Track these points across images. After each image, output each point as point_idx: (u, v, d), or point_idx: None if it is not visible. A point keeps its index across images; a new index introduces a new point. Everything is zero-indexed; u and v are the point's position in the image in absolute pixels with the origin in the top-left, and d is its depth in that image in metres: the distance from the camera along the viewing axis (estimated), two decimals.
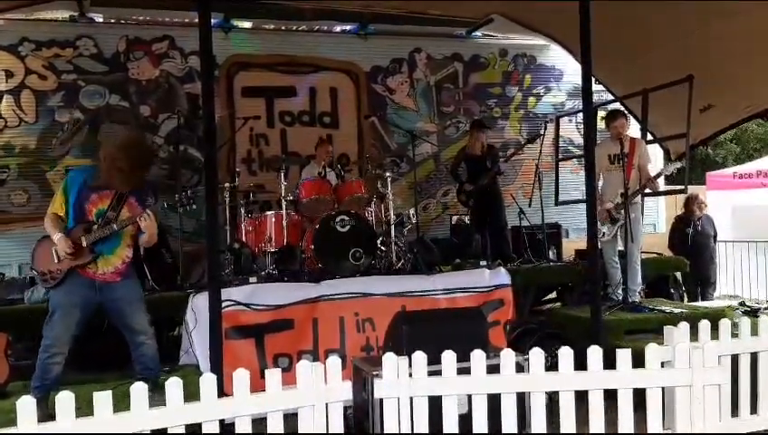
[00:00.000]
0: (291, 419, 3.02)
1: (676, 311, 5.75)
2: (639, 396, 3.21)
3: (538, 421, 3.14)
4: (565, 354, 3.15)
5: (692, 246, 8.33)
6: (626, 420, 3.16)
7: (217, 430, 2.87)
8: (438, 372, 3.08)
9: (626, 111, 7.20)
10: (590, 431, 3.15)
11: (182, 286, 5.85)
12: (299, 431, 2.99)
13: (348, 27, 8.89)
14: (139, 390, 2.70)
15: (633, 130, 7.53)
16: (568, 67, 9.46)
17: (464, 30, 9.20)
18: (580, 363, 3.17)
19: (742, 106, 7.59)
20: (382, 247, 6.17)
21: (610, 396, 3.18)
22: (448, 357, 3.08)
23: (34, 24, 7.66)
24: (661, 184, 7.64)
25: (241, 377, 2.89)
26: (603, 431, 3.15)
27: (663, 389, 3.23)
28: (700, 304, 7.16)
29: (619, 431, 3.17)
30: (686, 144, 7.50)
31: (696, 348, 3.20)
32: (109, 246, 4.05)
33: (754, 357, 4.00)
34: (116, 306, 4.09)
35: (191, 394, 2.82)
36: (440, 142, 9.13)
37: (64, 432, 2.55)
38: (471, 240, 7.57)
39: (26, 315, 5.10)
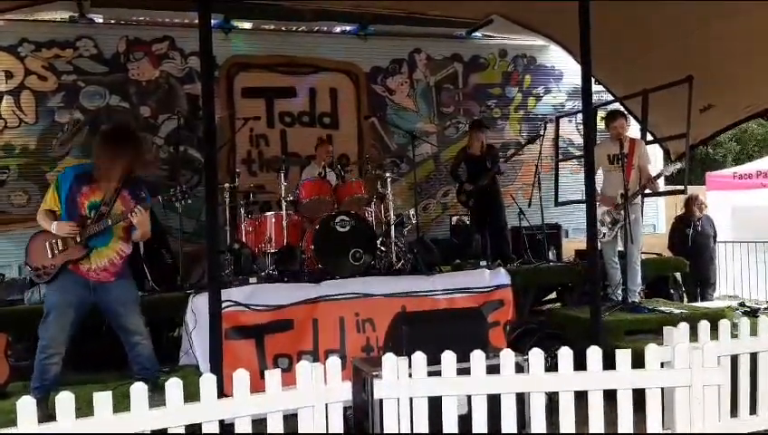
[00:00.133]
0: (291, 419, 3.02)
1: (676, 311, 5.75)
2: (639, 396, 3.22)
3: (538, 422, 3.14)
4: (565, 355, 3.15)
5: (692, 246, 8.33)
6: (625, 420, 3.16)
7: (217, 431, 2.87)
8: (438, 373, 3.08)
9: (625, 112, 7.20)
10: (590, 432, 3.15)
11: (182, 287, 5.86)
12: (299, 432, 3.00)
13: (348, 28, 8.91)
14: (138, 390, 2.71)
15: (633, 130, 7.53)
16: (568, 68, 9.47)
17: (463, 30, 9.22)
18: (580, 364, 3.17)
19: (742, 106, 7.59)
20: (382, 248, 6.17)
21: (610, 396, 3.18)
22: (448, 357, 3.08)
23: (34, 24, 7.68)
24: (661, 184, 7.65)
25: (241, 377, 2.89)
26: (603, 432, 3.15)
27: (662, 389, 3.23)
28: (700, 304, 7.16)
29: (619, 432, 3.17)
30: (685, 144, 7.50)
31: (696, 348, 3.20)
32: (102, 239, 4.04)
33: (754, 357, 4.00)
34: (110, 307, 4.10)
35: (191, 395, 2.82)
36: (440, 143, 9.14)
37: (64, 432, 2.56)
38: (471, 240, 7.57)
39: (26, 316, 5.09)
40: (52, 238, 3.98)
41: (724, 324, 3.94)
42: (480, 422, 3.10)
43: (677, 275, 7.50)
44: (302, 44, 8.65)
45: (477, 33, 9.29)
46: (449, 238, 8.28)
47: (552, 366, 3.26)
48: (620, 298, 6.08)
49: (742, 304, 6.58)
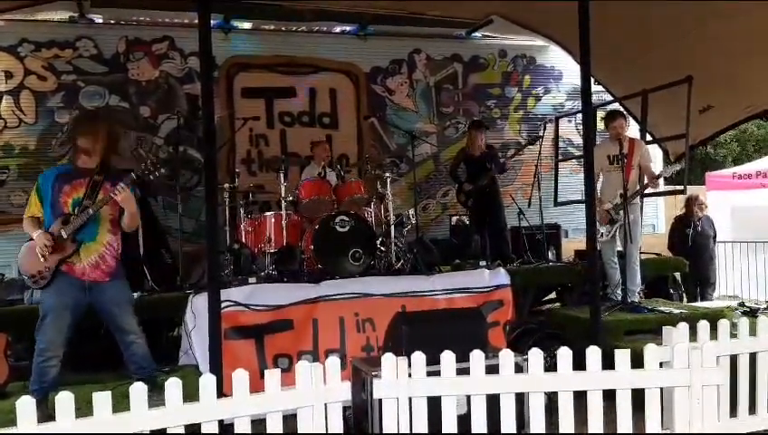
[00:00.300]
0: (290, 420, 3.02)
1: (675, 311, 5.75)
2: (638, 396, 3.22)
3: (537, 422, 3.15)
4: (564, 355, 3.16)
5: (692, 246, 8.33)
6: (624, 420, 3.16)
7: (217, 431, 2.87)
8: (437, 373, 3.08)
9: (625, 112, 7.20)
10: (589, 432, 3.15)
11: (182, 287, 5.86)
12: (298, 432, 3.00)
13: (347, 28, 8.91)
14: (138, 390, 2.71)
15: (632, 130, 7.54)
16: (567, 68, 9.47)
17: (463, 31, 9.22)
18: (580, 364, 3.18)
19: (741, 106, 7.59)
20: (382, 248, 6.18)
21: (609, 396, 3.18)
22: (447, 357, 3.09)
23: (34, 24, 7.68)
24: (661, 184, 7.65)
25: (240, 377, 2.90)
26: (602, 432, 3.15)
27: (662, 389, 3.23)
28: (699, 304, 7.16)
29: (618, 432, 3.17)
30: (685, 145, 7.50)
31: (695, 348, 3.21)
32: (89, 233, 4.05)
33: (753, 357, 4.01)
34: (105, 307, 4.11)
35: (190, 395, 2.83)
36: (440, 143, 9.14)
37: (64, 433, 2.56)
38: (470, 241, 7.58)
39: (26, 316, 5.07)
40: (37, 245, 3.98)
41: (723, 324, 3.94)
42: (479, 422, 3.10)
43: (677, 275, 7.50)
44: (301, 44, 8.65)
45: (477, 34, 9.29)
46: (449, 238, 8.28)
47: (551, 366, 3.27)
48: (620, 298, 6.08)
49: (741, 304, 6.58)
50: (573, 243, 8.36)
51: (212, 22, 4.69)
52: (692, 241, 8.38)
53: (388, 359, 3.04)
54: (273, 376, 2.95)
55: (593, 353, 3.17)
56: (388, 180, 6.32)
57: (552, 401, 3.25)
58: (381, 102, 8.94)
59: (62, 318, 3.97)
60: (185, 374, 4.05)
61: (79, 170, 4.11)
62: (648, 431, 3.20)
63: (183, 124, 7.28)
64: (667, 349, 3.40)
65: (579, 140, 9.45)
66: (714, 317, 4.21)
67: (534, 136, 7.90)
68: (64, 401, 2.60)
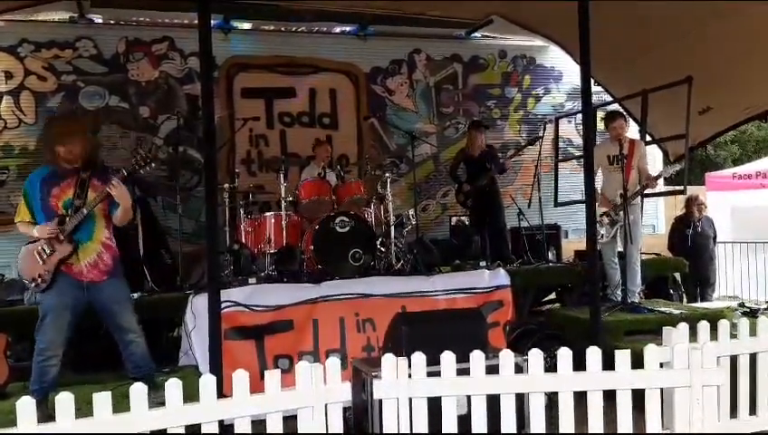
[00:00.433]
0: (291, 421, 3.02)
1: (675, 312, 5.75)
2: (639, 396, 3.22)
3: (537, 422, 3.15)
4: (564, 355, 3.16)
5: (691, 246, 8.33)
6: (625, 420, 3.16)
7: (217, 431, 2.87)
8: (438, 373, 3.08)
9: (625, 113, 7.20)
10: (589, 432, 3.15)
11: (181, 287, 5.86)
12: (298, 432, 3.00)
13: (347, 28, 8.91)
14: (138, 390, 2.71)
15: (632, 131, 7.54)
16: (567, 68, 9.47)
17: (463, 31, 9.22)
18: (580, 364, 3.18)
19: (741, 107, 7.60)
20: (382, 248, 6.18)
21: (609, 397, 3.18)
22: (447, 358, 3.09)
23: (34, 25, 7.68)
24: (660, 185, 7.65)
25: (240, 378, 2.90)
26: (602, 432, 3.15)
27: (662, 390, 3.23)
28: (699, 304, 7.16)
29: (618, 432, 3.17)
30: (685, 145, 7.50)
31: (695, 349, 3.21)
32: (85, 232, 4.04)
33: (753, 358, 4.01)
34: (104, 306, 4.11)
35: (190, 395, 2.83)
36: (439, 143, 9.14)
37: (64, 433, 2.56)
38: (470, 241, 7.57)
39: (26, 316, 5.06)
40: (39, 246, 3.99)
41: (723, 325, 3.94)
42: (479, 423, 3.10)
43: (677, 275, 7.50)
44: (301, 45, 8.65)
45: (477, 34, 9.29)
46: (449, 239, 8.27)
47: (551, 367, 3.27)
48: (620, 299, 6.08)
49: (741, 305, 6.58)
50: (573, 243, 8.36)
51: (212, 22, 4.69)
52: (691, 241, 8.38)
53: (388, 359, 3.04)
54: (273, 377, 2.95)
55: (593, 354, 3.17)
56: (388, 181, 6.32)
57: (552, 401, 3.25)
58: (381, 103, 8.94)
59: (61, 318, 3.97)
60: (185, 375, 4.05)
61: (64, 171, 4.08)
62: (648, 431, 3.20)
63: (183, 124, 7.28)
64: (668, 349, 3.40)
65: (579, 140, 9.45)
66: (714, 318, 4.21)
67: (534, 136, 7.91)
68: (64, 401, 2.60)
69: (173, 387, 2.77)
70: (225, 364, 3.85)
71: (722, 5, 6.11)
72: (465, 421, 3.12)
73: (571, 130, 9.66)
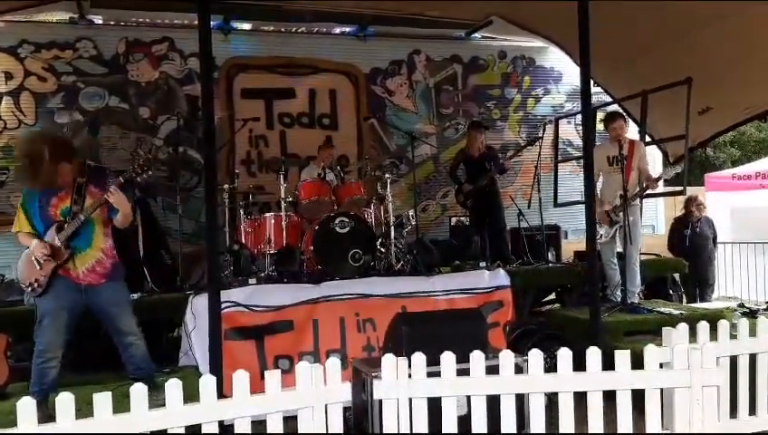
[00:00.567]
0: (291, 421, 3.02)
1: (675, 312, 5.75)
2: (638, 397, 3.22)
3: (537, 422, 3.15)
4: (564, 355, 3.16)
5: (689, 247, 8.32)
6: (625, 420, 3.16)
7: (217, 431, 2.87)
8: (438, 374, 3.08)
9: (624, 113, 7.21)
10: (589, 432, 3.16)
11: (181, 288, 5.86)
12: (299, 432, 3.00)
13: (347, 29, 8.91)
14: (138, 391, 2.71)
15: (632, 131, 7.54)
16: (567, 69, 9.48)
17: (463, 32, 9.23)
18: (580, 364, 3.18)
19: (741, 108, 7.60)
20: (382, 249, 6.18)
21: (609, 397, 3.18)
22: (447, 358, 3.09)
23: (34, 25, 7.68)
24: (660, 185, 7.64)
25: (240, 378, 2.90)
26: (602, 432, 3.15)
27: (661, 390, 3.24)
28: (699, 305, 7.16)
29: (618, 432, 3.18)
30: (684, 146, 7.51)
31: (695, 349, 3.21)
32: (83, 239, 4.03)
33: (753, 358, 4.01)
34: (103, 309, 4.10)
35: (190, 396, 2.83)
36: (439, 144, 9.15)
37: (64, 433, 2.56)
38: (470, 242, 7.58)
39: (26, 317, 5.05)
40: (36, 252, 3.99)
41: (723, 325, 3.95)
42: (479, 423, 3.10)
43: (676, 275, 7.50)
44: (301, 45, 8.66)
45: (476, 35, 9.30)
46: (449, 239, 8.28)
47: (551, 367, 3.27)
48: (619, 299, 6.08)
49: (741, 305, 6.58)
50: (573, 244, 8.36)
51: (212, 23, 4.69)
52: (689, 242, 8.38)
53: (388, 360, 3.04)
54: (273, 377, 2.96)
55: (593, 354, 3.17)
56: (388, 181, 6.32)
57: (552, 401, 3.25)
58: (381, 103, 8.95)
59: (59, 320, 3.97)
60: (185, 375, 4.04)
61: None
62: (647, 432, 3.20)
63: (183, 125, 7.28)
64: (667, 350, 3.40)
65: (578, 141, 9.45)
66: (713, 318, 4.21)
67: (534, 137, 7.91)
68: (65, 401, 2.61)
69: (173, 387, 2.78)
70: (226, 365, 3.85)
71: (722, 5, 6.12)
72: (465, 422, 3.12)
73: (570, 131, 9.67)
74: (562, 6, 5.08)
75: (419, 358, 3.07)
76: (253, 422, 2.95)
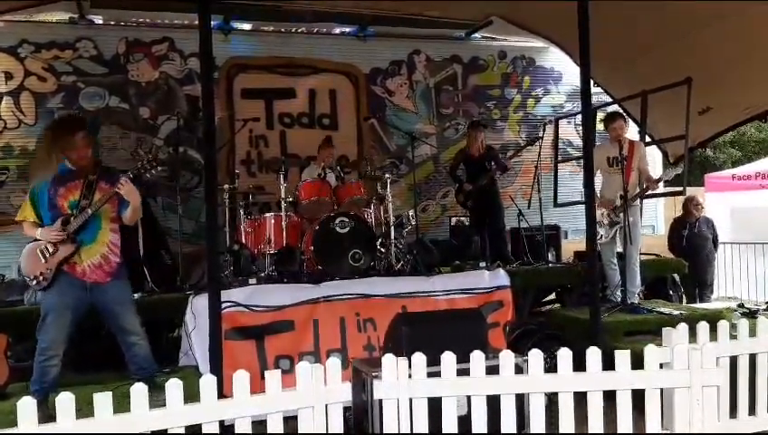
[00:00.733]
0: (291, 421, 3.03)
1: (675, 312, 5.76)
2: (638, 397, 3.22)
3: (537, 422, 3.15)
4: (564, 356, 3.16)
5: (688, 247, 8.32)
6: (625, 420, 3.16)
7: (217, 431, 2.87)
8: (438, 374, 3.08)
9: (624, 114, 7.21)
10: (589, 432, 3.16)
11: (182, 288, 5.86)
12: (299, 432, 3.00)
13: (347, 29, 8.91)
14: (139, 391, 2.71)
15: (631, 132, 7.54)
16: (567, 69, 9.48)
17: (463, 32, 9.23)
18: (580, 364, 3.18)
19: (741, 108, 7.60)
20: (382, 249, 6.18)
21: (609, 397, 3.18)
22: (448, 358, 3.09)
23: (34, 25, 7.68)
24: (660, 186, 7.64)
25: (240, 378, 2.90)
26: (602, 432, 3.15)
27: (662, 390, 3.24)
28: (699, 305, 7.16)
29: (618, 432, 3.18)
30: (684, 146, 7.51)
31: (695, 349, 3.21)
32: (90, 233, 4.05)
33: (753, 358, 4.01)
34: (107, 307, 4.11)
35: (191, 396, 2.83)
36: (439, 144, 9.15)
37: (65, 433, 2.56)
38: (470, 242, 7.58)
39: (26, 317, 5.08)
40: (42, 245, 4.00)
41: (722, 326, 3.95)
42: (479, 423, 3.10)
43: (676, 276, 7.50)
44: (301, 46, 8.66)
45: (476, 35, 9.30)
46: (448, 239, 8.28)
47: (551, 367, 3.27)
48: (619, 299, 6.08)
49: (741, 306, 6.58)
50: (573, 244, 8.37)
51: (212, 23, 4.70)
52: (687, 242, 8.37)
53: (388, 360, 3.04)
54: (273, 377, 2.96)
55: (593, 354, 3.17)
56: (388, 181, 6.32)
57: (552, 401, 3.26)
58: (381, 103, 8.95)
59: (63, 317, 3.98)
60: (185, 375, 4.03)
61: (73, 172, 4.11)
62: (647, 432, 3.20)
63: (183, 125, 7.28)
64: (667, 350, 3.40)
65: (578, 141, 9.46)
66: (713, 318, 4.22)
67: (534, 137, 7.91)
68: (65, 401, 2.61)
69: (174, 387, 2.78)
70: (226, 365, 3.85)
71: (722, 5, 6.12)
72: (465, 422, 3.12)
73: (570, 131, 9.67)
74: (562, 6, 5.08)
75: (419, 358, 3.07)
76: (253, 422, 2.95)
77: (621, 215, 5.93)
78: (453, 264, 6.99)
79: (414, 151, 7.50)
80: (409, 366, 3.06)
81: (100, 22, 8.06)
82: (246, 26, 8.59)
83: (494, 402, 3.11)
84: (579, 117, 8.84)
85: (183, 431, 2.80)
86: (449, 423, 3.07)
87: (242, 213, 6.38)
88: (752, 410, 4.01)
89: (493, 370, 3.14)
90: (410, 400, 3.03)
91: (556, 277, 6.90)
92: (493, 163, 7.29)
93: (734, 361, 3.96)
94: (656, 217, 10.00)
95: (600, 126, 7.57)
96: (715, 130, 8.38)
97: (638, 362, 3.22)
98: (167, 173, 7.67)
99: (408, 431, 3.02)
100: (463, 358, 3.11)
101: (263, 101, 8.46)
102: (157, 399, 2.86)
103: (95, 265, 4.06)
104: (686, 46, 7.03)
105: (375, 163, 7.32)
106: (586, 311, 4.83)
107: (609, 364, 3.18)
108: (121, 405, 2.70)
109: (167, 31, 8.16)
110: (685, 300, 7.75)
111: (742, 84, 7.18)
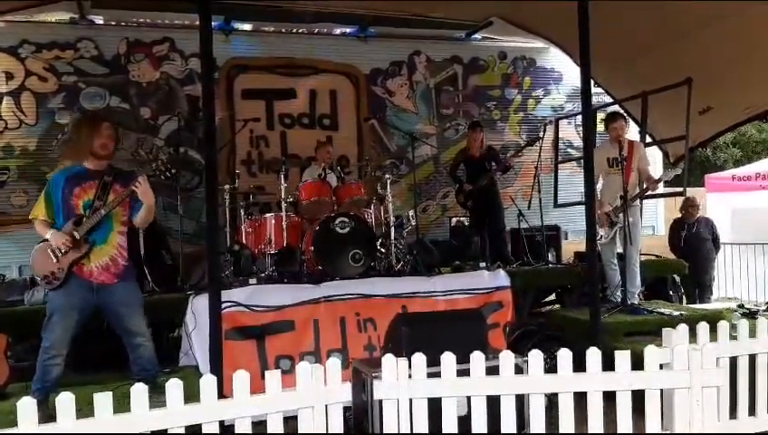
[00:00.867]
0: (291, 421, 3.03)
1: (675, 313, 5.76)
2: (638, 398, 3.22)
3: (537, 423, 3.15)
4: (564, 356, 3.16)
5: (686, 248, 8.32)
6: (625, 421, 3.16)
7: (218, 431, 2.87)
8: (438, 374, 3.08)
9: (625, 114, 7.21)
10: (589, 432, 3.16)
11: (182, 288, 5.86)
12: (299, 433, 3.00)
13: (348, 30, 8.92)
14: (139, 391, 2.71)
15: (632, 132, 7.54)
16: (567, 69, 9.49)
17: (463, 32, 9.23)
18: (580, 365, 3.18)
19: (741, 108, 7.61)
20: (382, 249, 6.18)
21: (609, 398, 3.18)
22: (448, 359, 3.09)
23: (35, 25, 7.68)
24: (660, 186, 7.64)
25: (241, 378, 2.90)
26: (602, 432, 3.16)
27: (661, 390, 3.24)
28: (699, 306, 7.16)
29: (618, 432, 3.18)
30: (685, 147, 7.51)
31: (695, 350, 3.21)
32: (101, 235, 4.05)
33: (753, 359, 4.01)
34: (113, 309, 4.10)
35: (191, 396, 2.83)
36: (440, 144, 9.15)
37: (65, 433, 2.56)
38: (470, 242, 7.58)
39: (26, 317, 5.11)
40: (53, 244, 4.00)
41: (722, 326, 3.95)
42: (479, 423, 3.10)
43: (676, 276, 7.50)
44: (301, 46, 8.67)
45: (477, 36, 9.30)
46: (449, 240, 8.28)
47: (551, 367, 3.27)
48: (619, 300, 6.08)
49: (741, 306, 6.59)
50: (573, 244, 8.37)
51: (212, 23, 4.70)
52: (685, 242, 8.37)
53: (388, 360, 3.04)
54: (273, 377, 2.96)
55: (593, 355, 3.17)
56: (388, 182, 6.32)
57: (552, 402, 3.26)
58: (381, 104, 8.95)
59: (68, 318, 3.97)
60: (185, 375, 4.03)
61: (89, 172, 4.11)
62: (647, 432, 3.20)
63: (183, 125, 7.29)
64: (667, 350, 3.40)
65: (579, 141, 9.46)
66: (713, 319, 4.21)
67: (534, 137, 7.91)
68: (65, 401, 2.61)
69: (174, 387, 2.78)
70: (226, 365, 3.85)
71: (722, 5, 6.12)
72: (465, 422, 3.12)
73: (571, 132, 9.68)
74: (562, 6, 5.08)
75: (419, 358, 3.07)
76: (253, 422, 2.95)
77: (621, 215, 5.93)
78: (453, 264, 7.00)
79: (414, 152, 7.50)
80: (409, 366, 3.06)
81: (101, 22, 8.07)
82: (247, 27, 8.59)
83: (493, 403, 3.11)
84: (579, 117, 8.85)
85: (183, 431, 2.80)
86: (449, 424, 3.07)
87: (242, 213, 6.39)
88: (752, 411, 4.00)
89: (493, 370, 3.14)
90: (410, 400, 3.03)
91: (556, 278, 6.90)
92: (493, 163, 7.30)
93: (734, 361, 3.96)
94: (656, 218, 10.00)
95: (600, 127, 7.58)
96: (716, 130, 8.39)
97: (638, 363, 3.22)
98: (170, 174, 7.68)
99: (408, 432, 3.02)
100: (463, 358, 3.11)
101: (263, 102, 8.46)
102: (157, 400, 2.86)
103: (102, 266, 4.05)
104: (686, 46, 7.03)
105: (375, 163, 7.32)
106: (586, 311, 4.83)
107: (609, 365, 3.18)
108: (121, 405, 2.70)
109: (167, 31, 8.16)
110: (685, 301, 7.75)
111: (742, 84, 7.18)
